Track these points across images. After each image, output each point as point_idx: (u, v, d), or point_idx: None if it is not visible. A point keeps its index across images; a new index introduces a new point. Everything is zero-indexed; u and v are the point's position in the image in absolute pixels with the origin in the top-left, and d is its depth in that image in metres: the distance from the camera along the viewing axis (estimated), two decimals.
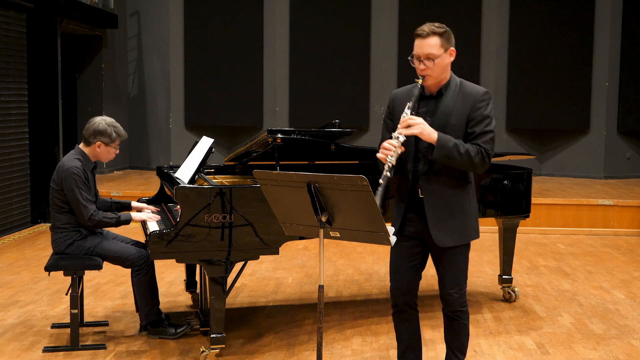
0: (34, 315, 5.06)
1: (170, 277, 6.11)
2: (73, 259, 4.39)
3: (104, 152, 4.51)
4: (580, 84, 10.91)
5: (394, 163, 3.17)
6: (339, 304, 5.47)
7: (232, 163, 5.24)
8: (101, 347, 4.41)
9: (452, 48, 3.34)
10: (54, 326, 4.79)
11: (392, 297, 3.56)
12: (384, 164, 3.20)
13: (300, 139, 4.48)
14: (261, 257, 4.25)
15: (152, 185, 9.34)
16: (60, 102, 8.79)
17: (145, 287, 4.48)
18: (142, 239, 4.67)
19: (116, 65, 11.18)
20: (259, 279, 6.15)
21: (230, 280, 4.41)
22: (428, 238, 3.40)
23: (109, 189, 9.05)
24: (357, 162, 5.06)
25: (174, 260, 4.13)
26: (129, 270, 4.54)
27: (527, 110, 11.04)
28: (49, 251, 5.65)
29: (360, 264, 6.77)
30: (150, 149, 11.55)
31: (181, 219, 4.03)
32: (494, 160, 5.64)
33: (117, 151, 4.61)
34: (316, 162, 5.12)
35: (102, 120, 4.52)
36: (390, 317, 3.66)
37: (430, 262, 3.57)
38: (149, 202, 5.13)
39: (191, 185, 4.23)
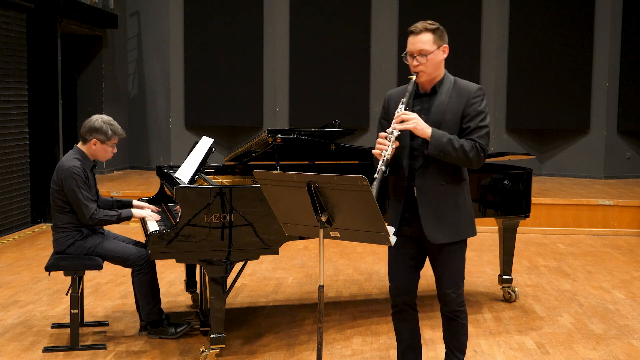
0: (34, 315, 5.06)
1: (170, 277, 6.11)
2: (73, 259, 4.39)
3: (100, 150, 4.49)
4: (580, 84, 10.91)
5: (389, 157, 3.19)
6: (339, 304, 5.47)
7: (232, 163, 5.24)
8: (101, 347, 4.41)
9: (445, 45, 3.36)
10: (54, 326, 4.79)
11: (392, 297, 3.57)
12: (379, 160, 3.21)
13: (300, 139, 4.48)
14: (261, 257, 4.25)
15: (152, 185, 9.35)
16: (60, 102, 8.79)
17: (147, 287, 4.47)
18: (142, 239, 4.67)
19: (116, 65, 11.19)
20: (259, 279, 6.16)
21: (230, 280, 4.41)
22: (424, 237, 3.41)
23: (109, 189, 9.05)
24: (357, 162, 5.07)
25: (174, 260, 4.13)
26: (129, 270, 4.54)
27: (527, 110, 11.05)
28: (49, 251, 5.66)
29: (360, 264, 6.77)
30: (150, 149, 11.55)
31: (181, 219, 4.03)
32: (494, 160, 5.65)
33: (115, 150, 4.58)
34: (316, 162, 5.12)
35: (98, 118, 4.52)
36: (391, 317, 3.66)
37: (428, 262, 3.57)
38: (149, 202, 5.13)
39: (191, 185, 4.23)
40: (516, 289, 5.56)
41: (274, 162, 4.42)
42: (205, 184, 4.46)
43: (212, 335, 4.12)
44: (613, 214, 8.50)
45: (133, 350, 4.41)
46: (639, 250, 7.61)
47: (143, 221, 4.58)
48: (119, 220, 4.43)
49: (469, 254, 7.03)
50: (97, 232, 4.52)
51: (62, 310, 5.15)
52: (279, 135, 4.36)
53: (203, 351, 4.14)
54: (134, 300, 4.71)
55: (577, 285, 6.11)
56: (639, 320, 5.14)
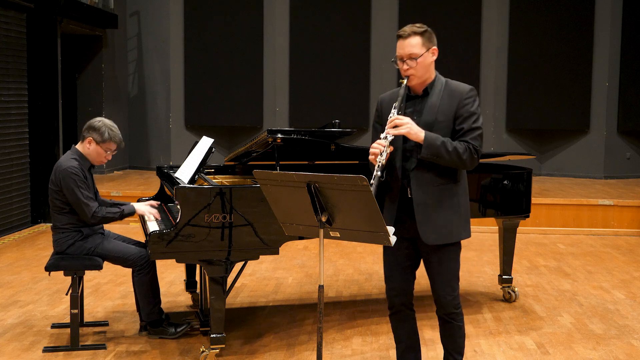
0: (34, 315, 5.06)
1: (170, 277, 6.11)
2: (73, 259, 4.39)
3: (94, 152, 4.45)
4: (580, 84, 10.91)
5: (384, 163, 3.21)
6: (339, 304, 5.47)
7: (232, 163, 5.24)
8: (101, 347, 4.41)
9: (434, 47, 3.38)
10: (54, 326, 4.79)
11: (388, 298, 3.58)
12: (374, 165, 3.22)
13: (300, 139, 4.48)
14: (261, 257, 4.25)
15: (152, 185, 9.35)
16: (60, 102, 8.79)
17: (147, 287, 4.47)
18: (142, 239, 4.67)
19: (116, 65, 11.19)
20: (259, 279, 6.16)
21: (230, 280, 4.41)
22: (418, 238, 3.41)
23: (109, 189, 9.05)
24: (357, 162, 5.06)
25: (174, 260, 4.13)
26: (129, 270, 4.54)
27: (527, 110, 11.04)
28: (49, 251, 5.66)
29: (360, 264, 6.77)
30: (150, 149, 11.55)
31: (181, 219, 4.03)
32: (494, 160, 5.65)
33: (109, 157, 4.53)
34: (316, 162, 5.12)
35: (101, 119, 4.51)
36: None
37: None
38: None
39: (191, 185, 4.23)
40: (516, 289, 5.56)
41: (274, 162, 4.42)
42: (205, 184, 4.46)
43: (212, 335, 4.12)
44: (613, 214, 8.50)
45: (133, 350, 4.41)
46: (639, 250, 7.61)
47: (143, 221, 4.58)
48: (122, 216, 4.42)
49: (469, 254, 7.08)
50: (97, 232, 4.51)
51: (62, 310, 5.15)
52: (279, 135, 4.36)
53: (203, 351, 4.14)
54: (134, 300, 4.71)
55: (577, 285, 6.11)
56: (639, 320, 5.14)
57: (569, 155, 11.20)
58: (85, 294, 5.14)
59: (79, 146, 4.50)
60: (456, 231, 3.41)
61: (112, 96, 11.08)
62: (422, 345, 4.13)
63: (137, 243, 4.64)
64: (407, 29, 3.35)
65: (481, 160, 5.37)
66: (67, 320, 4.64)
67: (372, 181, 3.13)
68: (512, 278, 5.53)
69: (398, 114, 3.31)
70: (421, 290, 5.01)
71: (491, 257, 7.02)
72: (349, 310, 5.30)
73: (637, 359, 4.39)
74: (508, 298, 5.53)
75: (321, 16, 11.03)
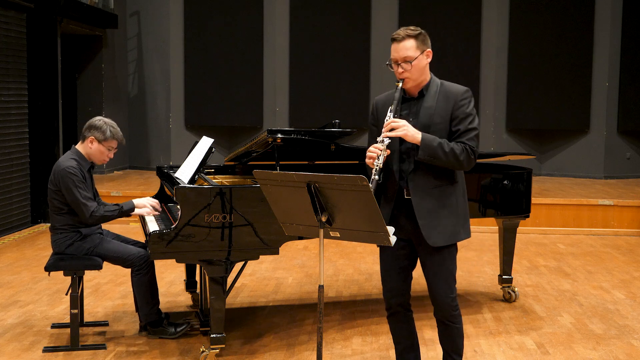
0: (34, 315, 5.06)
1: (170, 277, 6.11)
2: (73, 259, 4.39)
3: (97, 151, 4.46)
4: (580, 84, 10.91)
5: (381, 166, 3.22)
6: (339, 304, 5.47)
7: (232, 163, 5.24)
8: (101, 347, 4.41)
9: (429, 49, 3.39)
10: (54, 326, 4.79)
11: (386, 300, 3.58)
12: (372, 169, 3.23)
13: (300, 139, 4.48)
14: (261, 257, 4.25)
15: (152, 185, 9.35)
16: (60, 102, 8.79)
17: (145, 287, 4.47)
18: (142, 239, 4.67)
19: (116, 65, 11.19)
20: (259, 279, 6.16)
21: (230, 280, 4.41)
22: (416, 239, 3.41)
23: (109, 189, 9.05)
24: (357, 162, 5.06)
25: (174, 260, 4.13)
26: (129, 270, 4.54)
27: (527, 110, 11.05)
28: (49, 251, 5.65)
29: (360, 264, 6.77)
30: (150, 149, 11.55)
31: (181, 219, 4.03)
32: (494, 160, 5.65)
33: (111, 155, 4.53)
34: (316, 162, 5.12)
35: (101, 118, 4.52)
36: None
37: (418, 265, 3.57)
38: None
39: (191, 185, 4.23)
40: (516, 289, 5.56)
41: (274, 162, 4.42)
42: (205, 184, 4.46)
43: (212, 335, 4.12)
44: (613, 214, 8.50)
45: (133, 350, 4.41)
46: (639, 250, 7.61)
47: (143, 221, 4.57)
48: (122, 213, 4.39)
49: (469, 254, 7.08)
50: (96, 233, 4.50)
51: (62, 310, 5.15)
52: (279, 135, 4.36)
53: (203, 351, 4.14)
54: (133, 301, 4.71)
55: (577, 285, 6.11)
56: (639, 320, 5.14)
57: (569, 155, 11.20)
58: (85, 294, 5.14)
59: (79, 146, 4.50)
60: (457, 232, 3.42)
61: (112, 96, 11.08)
62: (422, 345, 4.14)
63: (136, 243, 4.64)
64: (401, 32, 3.36)
65: (481, 160, 5.40)
66: (67, 320, 4.64)
67: (370, 185, 3.14)
68: (512, 278, 5.53)
69: (394, 117, 3.32)
70: (421, 290, 5.01)
71: (491, 257, 7.02)
72: (349, 310, 5.30)
73: (637, 359, 4.39)
74: (508, 298, 5.53)
75: (321, 16, 11.03)
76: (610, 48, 10.80)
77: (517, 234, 5.51)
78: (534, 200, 6.62)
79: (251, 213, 4.10)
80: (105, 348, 4.41)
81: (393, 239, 3.00)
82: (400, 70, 3.35)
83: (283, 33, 11.09)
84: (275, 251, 4.20)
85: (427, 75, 3.43)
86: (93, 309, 5.22)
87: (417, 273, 3.61)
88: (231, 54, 11.05)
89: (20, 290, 5.73)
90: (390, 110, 3.33)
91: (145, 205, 4.49)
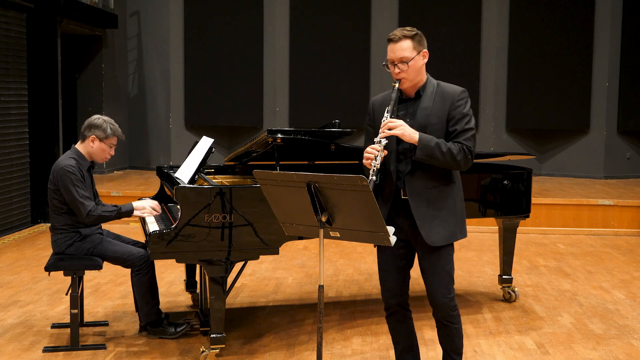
0: (34, 315, 5.06)
1: (170, 277, 6.11)
2: (73, 259, 4.38)
3: (98, 149, 4.47)
4: (580, 84, 10.91)
5: (378, 167, 3.23)
6: (339, 304, 5.47)
7: (232, 163, 5.24)
8: (101, 347, 4.41)
9: (425, 50, 3.41)
10: (54, 326, 4.79)
11: (384, 300, 3.59)
12: (369, 169, 3.23)
13: (300, 139, 4.48)
14: (261, 257, 4.25)
15: (152, 185, 9.35)
16: (60, 102, 8.79)
17: (145, 287, 4.47)
18: (142, 239, 4.67)
19: (116, 65, 11.19)
20: (259, 279, 6.16)
21: (230, 280, 4.41)
22: (414, 239, 3.42)
23: (109, 189, 9.05)
24: (357, 162, 5.06)
25: (174, 260, 4.13)
26: (129, 270, 4.54)
27: (527, 110, 11.04)
28: (49, 251, 5.65)
29: (360, 264, 6.77)
30: (150, 149, 11.55)
31: (181, 219, 4.03)
32: (494, 160, 5.65)
33: (112, 152, 4.55)
34: (316, 162, 5.12)
35: (99, 116, 4.53)
36: None
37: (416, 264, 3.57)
38: None
39: (191, 185, 4.23)
40: (516, 289, 5.56)
41: (274, 162, 4.42)
42: (205, 184, 4.46)
43: (212, 335, 4.12)
44: (613, 214, 8.50)
45: (133, 350, 4.41)
46: (639, 250, 7.61)
47: (143, 221, 4.57)
48: (120, 215, 4.38)
49: (469, 254, 7.08)
50: (95, 233, 4.50)
51: (62, 310, 5.15)
52: (279, 135, 4.36)
53: (203, 351, 4.14)
54: (133, 301, 4.71)
55: (577, 285, 6.11)
56: (639, 320, 5.14)
57: (569, 155, 11.20)
58: (85, 294, 5.14)
59: (78, 146, 4.50)
60: (455, 231, 3.43)
61: (112, 96, 11.08)
62: (422, 345, 4.14)
63: (136, 243, 4.64)
64: (398, 32, 3.37)
65: (481, 160, 5.40)
66: (67, 320, 4.64)
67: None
68: (512, 278, 5.53)
69: (391, 117, 3.32)
70: (420, 290, 5.00)
71: (491, 257, 7.02)
72: (349, 310, 5.30)
73: (637, 359, 4.39)
74: (508, 298, 5.53)
75: (321, 16, 11.03)
76: (610, 48, 10.80)
77: (517, 234, 5.51)
78: (534, 200, 6.62)
79: (251, 213, 4.10)
80: (105, 348, 4.41)
81: (393, 239, 3.00)
82: (396, 70, 3.36)
83: (283, 33, 11.09)
84: (275, 251, 4.20)
85: (424, 76, 3.44)
86: (93, 309, 5.22)
87: (417, 273, 3.61)
88: (231, 54, 11.05)
89: (20, 290, 5.73)
90: (387, 111, 3.34)
91: (145, 207, 4.49)
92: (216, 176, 5.18)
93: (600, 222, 8.51)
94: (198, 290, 5.27)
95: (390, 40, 3.38)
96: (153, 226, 4.33)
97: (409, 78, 3.37)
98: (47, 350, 4.37)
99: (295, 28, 11.08)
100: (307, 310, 5.28)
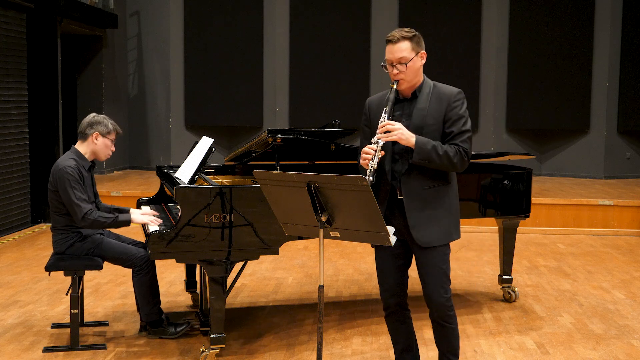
0: (34, 315, 5.06)
1: (170, 277, 6.11)
2: (73, 259, 4.39)
3: (102, 145, 4.48)
4: (580, 84, 10.91)
5: (375, 167, 3.23)
6: (339, 304, 5.47)
7: (232, 163, 5.24)
8: (101, 347, 4.41)
9: (423, 51, 3.42)
10: (54, 326, 4.79)
11: (383, 300, 3.59)
12: (365, 170, 3.23)
13: (300, 139, 4.48)
14: (261, 257, 4.25)
15: (152, 185, 9.35)
16: (60, 102, 8.79)
17: (146, 287, 4.47)
18: (142, 239, 4.67)
19: (116, 65, 11.19)
20: (259, 279, 6.16)
21: (230, 280, 4.41)
22: (410, 239, 3.42)
23: (109, 189, 9.05)
24: (357, 162, 5.06)
25: (174, 260, 4.13)
26: (129, 270, 4.55)
27: (527, 110, 11.04)
28: (49, 251, 5.66)
29: (360, 264, 6.77)
30: (150, 149, 11.55)
31: (181, 219, 4.03)
32: (494, 160, 5.65)
33: (114, 148, 4.58)
34: (316, 162, 5.12)
35: (95, 114, 4.56)
36: None
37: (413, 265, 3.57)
38: (149, 202, 5.13)
39: (191, 185, 4.23)
40: (516, 289, 5.56)
41: (274, 162, 4.43)
42: (205, 184, 4.46)
43: (212, 335, 4.12)
44: (613, 214, 8.50)
45: (133, 350, 4.41)
46: (639, 250, 7.61)
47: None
48: (116, 223, 4.33)
49: (469, 254, 7.08)
50: (96, 233, 4.50)
51: (62, 310, 5.16)
52: (279, 135, 4.36)
53: (203, 351, 4.14)
54: (134, 300, 4.71)
55: (577, 285, 6.11)
56: (639, 320, 5.14)
57: (568, 155, 11.20)
58: (85, 294, 5.14)
59: (78, 146, 4.50)
60: (448, 232, 3.44)
61: (112, 96, 11.08)
62: (422, 346, 4.14)
63: (137, 243, 4.64)
64: (396, 33, 3.38)
65: (481, 160, 5.41)
66: (67, 320, 4.65)
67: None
68: (512, 278, 5.53)
69: (388, 118, 3.33)
70: (420, 290, 5.00)
71: (491, 257, 7.02)
72: (349, 310, 5.30)
73: (637, 359, 4.39)
74: (508, 298, 5.53)
75: (321, 16, 11.03)
76: (610, 48, 10.80)
77: (517, 234, 5.51)
78: (534, 200, 6.62)
79: (251, 213, 4.10)
80: (105, 348, 4.41)
81: (393, 239, 3.00)
82: (395, 71, 3.37)
83: (283, 33, 11.09)
84: (275, 251, 4.20)
85: (421, 77, 3.45)
86: (93, 309, 5.22)
87: (416, 273, 3.61)
88: (231, 54, 11.05)
89: (20, 290, 5.73)
90: (385, 112, 3.34)
91: (143, 220, 4.44)
92: (216, 176, 5.18)
93: (600, 222, 8.51)
94: (198, 290, 5.27)
95: (388, 41, 3.38)
96: (153, 226, 4.34)
97: (407, 79, 3.38)
98: (47, 350, 4.37)
99: (295, 28, 11.07)
100: (307, 310, 5.28)
